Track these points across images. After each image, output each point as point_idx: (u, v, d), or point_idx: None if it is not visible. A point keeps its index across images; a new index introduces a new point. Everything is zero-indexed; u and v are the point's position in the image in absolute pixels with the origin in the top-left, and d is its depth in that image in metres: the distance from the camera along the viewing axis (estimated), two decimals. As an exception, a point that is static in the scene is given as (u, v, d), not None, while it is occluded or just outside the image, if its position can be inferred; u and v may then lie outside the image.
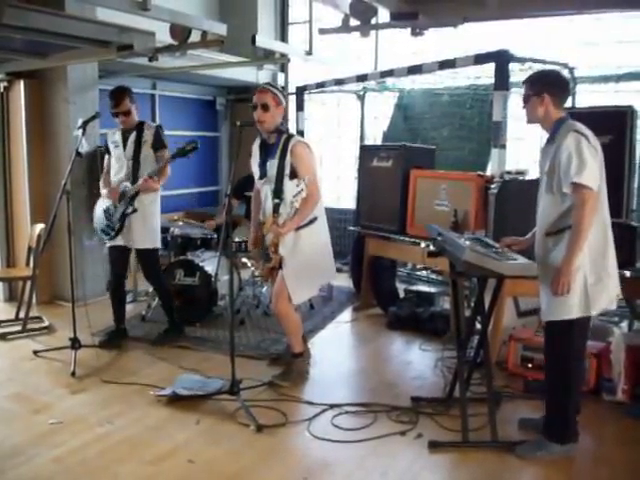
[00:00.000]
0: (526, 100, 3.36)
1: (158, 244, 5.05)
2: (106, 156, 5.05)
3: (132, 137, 4.84)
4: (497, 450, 3.39)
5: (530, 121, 3.43)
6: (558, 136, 3.22)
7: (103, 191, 4.96)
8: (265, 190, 4.18)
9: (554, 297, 3.19)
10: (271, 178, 4.09)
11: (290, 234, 4.08)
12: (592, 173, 3.09)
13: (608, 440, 3.62)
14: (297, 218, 4.04)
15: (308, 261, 4.15)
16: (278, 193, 4.06)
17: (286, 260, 4.11)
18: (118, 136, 4.92)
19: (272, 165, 4.09)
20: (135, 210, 4.79)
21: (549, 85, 3.31)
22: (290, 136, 4.14)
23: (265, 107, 4.03)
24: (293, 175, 4.05)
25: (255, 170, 4.27)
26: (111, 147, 4.96)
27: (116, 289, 5.10)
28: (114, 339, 5.03)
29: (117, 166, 4.91)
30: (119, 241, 4.90)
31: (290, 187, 4.04)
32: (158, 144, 4.86)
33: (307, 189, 4.00)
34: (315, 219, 4.19)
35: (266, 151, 4.18)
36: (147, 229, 4.90)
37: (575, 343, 3.29)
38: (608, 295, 3.26)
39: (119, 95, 4.80)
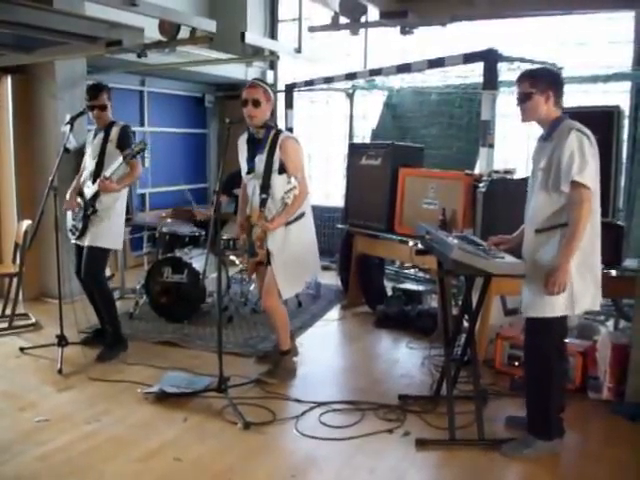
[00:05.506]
0: (526, 98, 3.24)
1: (109, 245, 4.79)
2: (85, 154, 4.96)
3: (100, 136, 4.75)
4: (484, 448, 3.41)
5: (527, 119, 3.33)
6: (556, 134, 3.19)
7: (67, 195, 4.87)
8: (253, 185, 4.19)
9: (539, 294, 3.19)
10: (259, 173, 4.10)
11: (280, 229, 4.07)
12: (591, 173, 3.10)
13: (593, 438, 3.65)
14: (285, 214, 3.99)
15: (297, 256, 4.16)
16: (266, 188, 4.06)
17: (275, 255, 4.11)
18: (91, 134, 4.87)
19: (260, 160, 4.09)
20: (95, 211, 4.67)
21: (553, 83, 3.26)
22: (279, 131, 4.15)
23: (256, 103, 4.03)
24: (282, 170, 4.05)
25: (243, 165, 4.27)
26: (87, 146, 4.90)
27: (86, 288, 4.91)
28: (97, 337, 4.96)
29: (87, 165, 4.85)
30: (78, 240, 4.78)
31: (280, 182, 4.01)
32: (122, 143, 4.67)
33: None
34: (303, 214, 4.20)
35: (254, 146, 4.17)
36: (101, 229, 4.70)
37: (555, 340, 3.30)
38: (592, 296, 3.27)
39: (97, 88, 4.74)
